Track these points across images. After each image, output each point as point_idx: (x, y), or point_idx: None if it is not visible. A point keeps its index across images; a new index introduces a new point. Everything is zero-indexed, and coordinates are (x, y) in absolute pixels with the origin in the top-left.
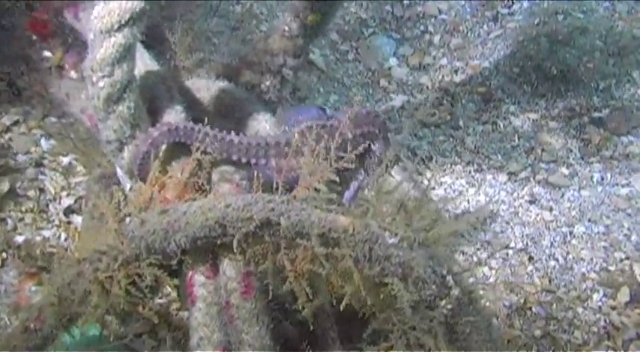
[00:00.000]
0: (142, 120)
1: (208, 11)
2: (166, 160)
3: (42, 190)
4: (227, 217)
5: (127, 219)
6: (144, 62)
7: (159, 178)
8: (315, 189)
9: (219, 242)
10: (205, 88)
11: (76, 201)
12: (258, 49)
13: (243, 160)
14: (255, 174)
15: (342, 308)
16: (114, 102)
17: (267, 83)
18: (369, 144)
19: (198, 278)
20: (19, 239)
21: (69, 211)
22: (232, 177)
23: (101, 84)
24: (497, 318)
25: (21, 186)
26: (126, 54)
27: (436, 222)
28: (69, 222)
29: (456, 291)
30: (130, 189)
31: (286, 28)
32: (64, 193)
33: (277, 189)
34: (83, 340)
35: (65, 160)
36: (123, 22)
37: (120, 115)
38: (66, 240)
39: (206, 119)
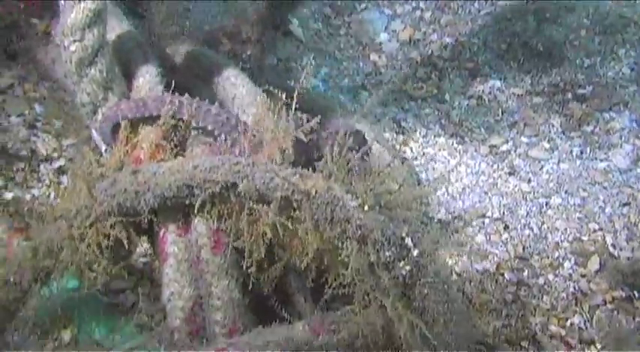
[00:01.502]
0: (115, 84)
1: None
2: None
3: (34, 151)
4: (194, 178)
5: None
6: (121, 27)
7: (130, 139)
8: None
9: (187, 202)
10: (186, 53)
11: (66, 163)
12: (238, 19)
13: (216, 132)
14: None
15: (303, 268)
16: (86, 65)
17: (248, 53)
18: None
19: (170, 236)
20: (9, 195)
21: (60, 172)
22: (207, 138)
23: (72, 48)
24: (470, 283)
25: (13, 146)
26: (96, 19)
27: (400, 187)
28: (59, 183)
29: (415, 253)
30: (105, 150)
31: None
32: (55, 154)
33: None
34: (62, 292)
35: (58, 123)
36: None
37: (92, 79)
38: (55, 198)
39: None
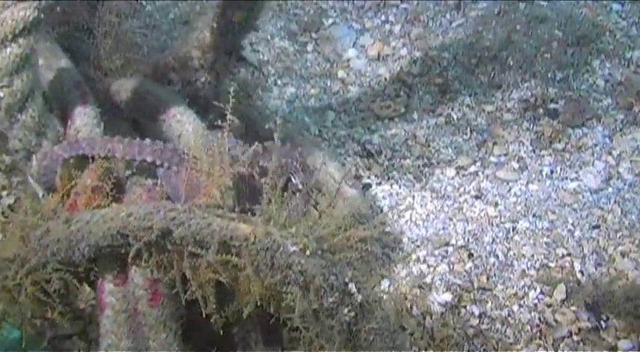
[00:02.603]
0: (48, 129)
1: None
2: (73, 168)
3: None
4: (128, 226)
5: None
6: (59, 66)
7: (66, 185)
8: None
9: (122, 251)
10: (130, 89)
11: (16, 201)
12: (190, 46)
13: (158, 162)
14: (160, 182)
15: (245, 316)
16: (16, 111)
17: (202, 80)
18: (289, 178)
19: (107, 286)
20: None
21: (9, 210)
22: (146, 182)
23: (0, 94)
24: (431, 317)
25: None
26: (24, 63)
27: (344, 229)
28: (8, 222)
29: (358, 298)
30: (43, 196)
31: (214, 26)
32: (4, 192)
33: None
34: (3, 343)
35: (8, 159)
36: (17, 32)
37: (24, 125)
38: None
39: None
